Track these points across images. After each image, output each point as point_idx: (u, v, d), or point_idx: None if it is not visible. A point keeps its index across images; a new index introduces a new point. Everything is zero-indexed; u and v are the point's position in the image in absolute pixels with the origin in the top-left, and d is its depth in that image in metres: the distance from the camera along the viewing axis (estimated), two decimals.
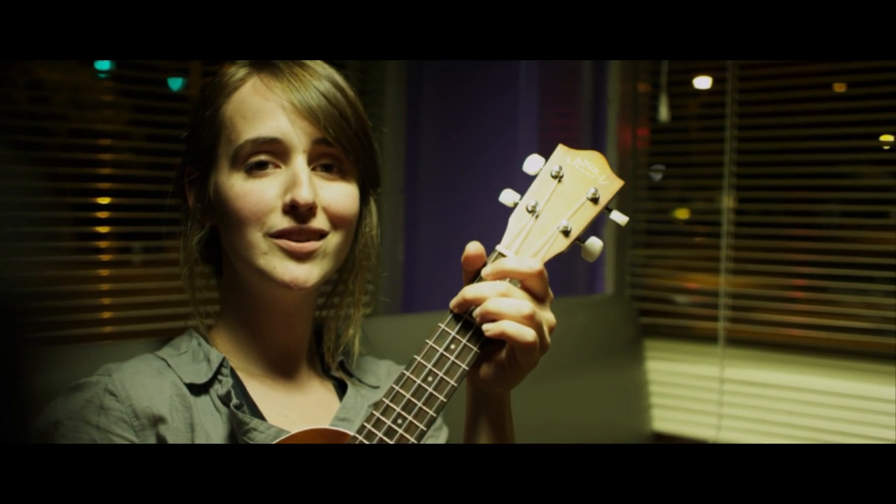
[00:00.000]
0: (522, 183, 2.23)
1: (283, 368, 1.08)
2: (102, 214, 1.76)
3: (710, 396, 2.29)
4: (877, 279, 2.13)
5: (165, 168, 1.85)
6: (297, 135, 0.99)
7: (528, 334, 0.85)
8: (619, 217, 0.92)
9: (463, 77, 2.30)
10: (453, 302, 0.90)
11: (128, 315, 1.77)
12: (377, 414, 0.87)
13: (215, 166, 1.02)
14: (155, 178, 1.86)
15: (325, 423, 1.04)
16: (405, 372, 0.88)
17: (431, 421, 0.87)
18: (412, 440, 0.86)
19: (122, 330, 1.75)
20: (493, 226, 2.33)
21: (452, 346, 0.87)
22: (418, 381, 0.87)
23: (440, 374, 0.87)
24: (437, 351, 0.88)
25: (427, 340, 0.89)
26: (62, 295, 1.68)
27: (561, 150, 0.93)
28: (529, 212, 0.90)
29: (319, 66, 1.04)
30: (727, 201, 2.27)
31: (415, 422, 0.86)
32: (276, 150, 1.00)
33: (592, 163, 0.91)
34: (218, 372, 1.02)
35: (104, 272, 1.76)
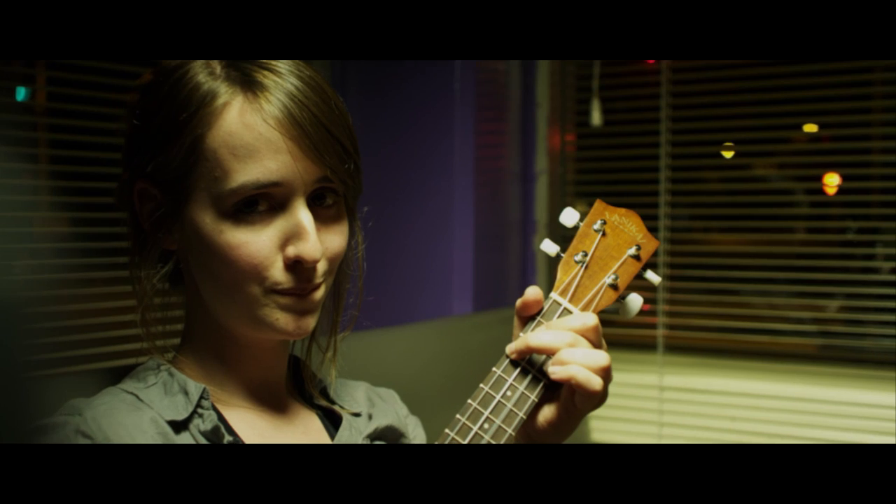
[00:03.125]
0: (461, 195, 2.16)
1: (265, 399, 0.97)
2: None
3: (649, 405, 2.26)
4: (815, 282, 2.14)
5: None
6: (298, 176, 0.86)
7: (597, 383, 0.83)
8: (653, 277, 0.94)
9: (391, 83, 2.19)
10: (511, 348, 0.86)
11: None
12: None
13: (189, 200, 0.87)
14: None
15: None
16: (460, 417, 0.84)
17: None
18: None
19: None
20: (429, 236, 2.25)
21: (509, 393, 0.85)
22: (475, 429, 0.83)
23: (497, 421, 0.84)
24: (494, 397, 0.85)
25: (482, 385, 0.85)
26: None
27: (600, 205, 0.95)
28: (577, 262, 0.91)
29: (304, 70, 0.89)
30: (663, 206, 2.25)
31: None
32: (274, 194, 0.86)
33: (630, 221, 0.94)
34: (198, 405, 0.89)
35: None
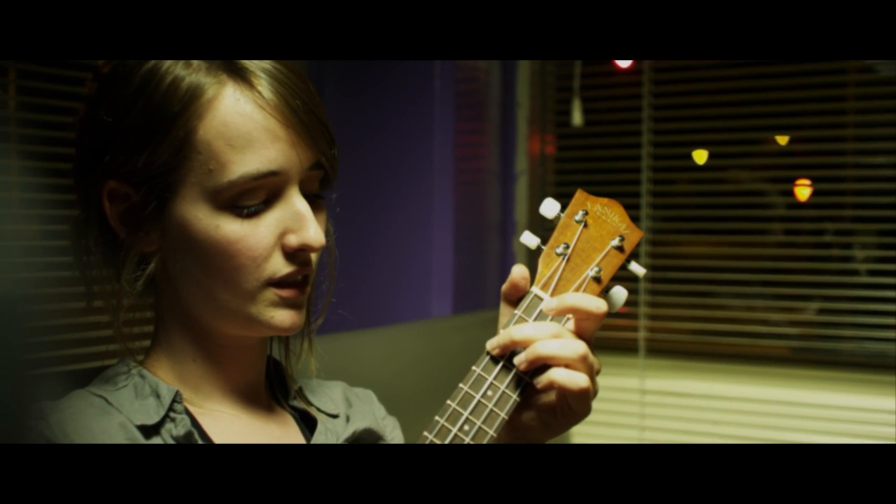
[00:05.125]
0: (441, 195, 2.12)
1: (241, 403, 0.93)
2: None
3: (631, 409, 2.23)
4: (795, 284, 2.13)
5: None
6: (296, 163, 0.84)
7: (582, 380, 0.78)
8: (638, 268, 0.90)
9: (370, 81, 2.15)
10: (492, 343, 0.82)
11: None
12: None
13: (176, 196, 0.83)
14: None
15: None
16: (439, 419, 0.80)
17: None
18: None
19: None
20: (408, 237, 2.21)
21: (490, 393, 0.80)
22: (454, 431, 0.79)
23: (478, 423, 0.79)
24: (474, 398, 0.80)
25: (462, 385, 0.81)
26: None
27: (581, 195, 0.91)
28: (559, 255, 0.87)
29: (284, 63, 0.86)
30: (645, 208, 2.23)
31: None
32: (271, 184, 0.83)
33: (612, 211, 0.91)
34: (170, 409, 0.85)
35: None
